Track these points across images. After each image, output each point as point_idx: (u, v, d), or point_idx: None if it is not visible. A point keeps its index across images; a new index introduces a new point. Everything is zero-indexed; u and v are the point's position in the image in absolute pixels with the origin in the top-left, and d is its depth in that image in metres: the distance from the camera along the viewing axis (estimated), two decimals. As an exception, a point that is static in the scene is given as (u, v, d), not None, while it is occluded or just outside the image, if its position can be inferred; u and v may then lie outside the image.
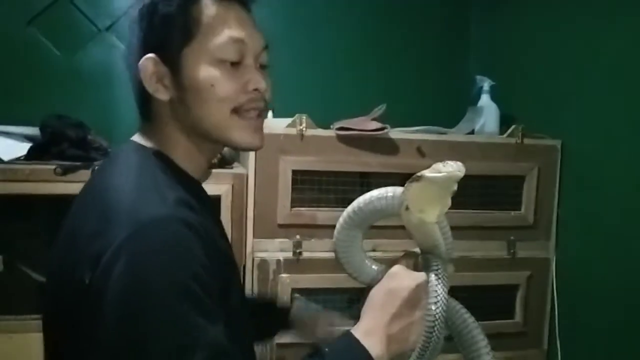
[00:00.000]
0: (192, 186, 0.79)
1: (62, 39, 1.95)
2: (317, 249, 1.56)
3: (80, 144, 1.54)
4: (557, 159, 1.70)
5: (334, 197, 1.60)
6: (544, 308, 1.73)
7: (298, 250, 1.54)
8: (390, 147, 1.60)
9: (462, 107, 1.89)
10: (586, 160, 1.63)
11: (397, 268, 0.77)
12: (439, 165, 0.68)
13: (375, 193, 0.81)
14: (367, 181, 1.65)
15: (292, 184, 1.54)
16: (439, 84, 2.13)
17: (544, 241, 1.72)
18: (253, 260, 1.52)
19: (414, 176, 0.69)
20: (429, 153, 1.62)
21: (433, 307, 0.72)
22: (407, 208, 0.72)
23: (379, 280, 0.77)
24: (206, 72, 0.74)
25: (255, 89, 0.77)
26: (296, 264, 1.55)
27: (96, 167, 1.45)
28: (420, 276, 0.75)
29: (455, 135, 1.71)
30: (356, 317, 0.76)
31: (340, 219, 0.83)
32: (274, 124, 1.57)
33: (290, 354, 1.53)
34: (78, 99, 1.91)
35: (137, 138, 0.80)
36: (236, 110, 0.77)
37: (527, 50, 1.90)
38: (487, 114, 1.81)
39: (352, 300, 1.64)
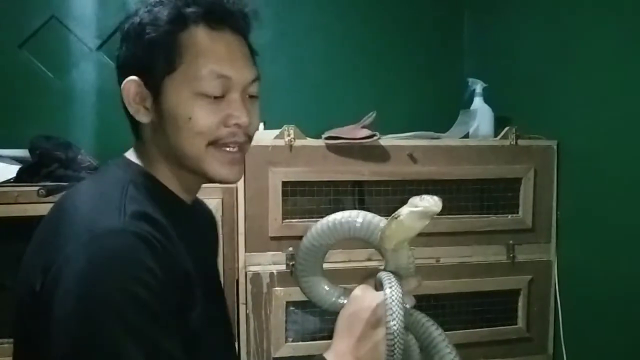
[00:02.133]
0: (173, 205, 0.78)
1: (54, 60, 1.96)
2: (310, 261, 1.54)
3: (70, 164, 1.54)
4: (553, 159, 1.67)
5: (326, 208, 1.57)
6: (547, 312, 1.69)
7: (291, 263, 1.52)
8: (381, 155, 1.58)
9: (456, 111, 1.87)
10: (583, 159, 1.60)
11: (357, 290, 0.78)
12: (416, 200, 0.73)
13: (337, 217, 0.84)
14: (359, 190, 1.63)
15: (283, 196, 1.52)
16: (431, 88, 2.11)
17: (544, 244, 1.69)
18: (246, 274, 1.50)
19: (393, 214, 0.74)
20: (420, 159, 1.60)
21: (391, 323, 0.73)
22: (382, 239, 0.77)
23: (342, 305, 0.80)
24: (185, 104, 0.73)
25: (236, 124, 0.75)
26: (290, 276, 1.53)
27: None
28: (380, 295, 0.76)
29: (447, 139, 1.69)
30: None
31: (302, 245, 0.85)
32: (262, 136, 1.55)
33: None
34: (72, 120, 1.92)
35: (128, 154, 0.81)
36: (212, 143, 0.75)
37: (520, 51, 1.88)
38: (480, 116, 1.78)
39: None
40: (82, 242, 0.63)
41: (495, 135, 1.73)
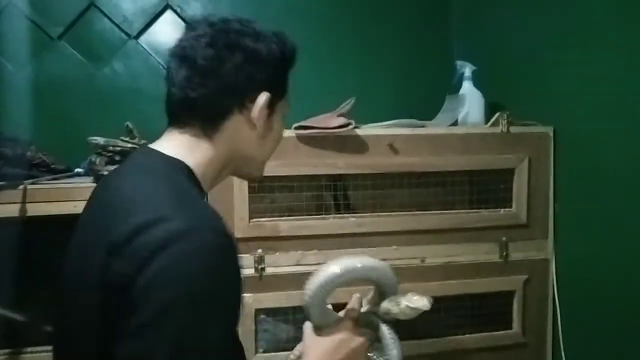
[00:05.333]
0: None
1: (13, 50, 1.83)
2: (282, 264, 1.40)
3: (17, 161, 1.41)
4: (549, 147, 1.53)
5: (298, 205, 1.44)
6: (545, 315, 1.56)
7: (260, 266, 1.39)
8: (358, 145, 1.44)
9: (443, 97, 1.72)
10: (583, 147, 1.46)
11: (347, 323, 0.91)
12: (411, 297, 0.92)
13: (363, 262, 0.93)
14: (334, 185, 1.49)
15: (249, 193, 1.38)
16: (417, 72, 1.97)
17: (541, 240, 1.54)
18: (210, 279, 1.37)
19: (393, 301, 0.93)
20: (402, 150, 1.45)
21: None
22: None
23: (328, 325, 0.91)
24: (281, 123, 0.88)
25: None
26: (259, 281, 1.39)
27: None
28: (368, 332, 0.93)
29: (431, 128, 1.54)
30: None
31: (321, 280, 0.90)
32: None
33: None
34: (23, 113, 1.79)
35: (170, 145, 0.80)
36: None
37: (513, 30, 1.73)
38: (470, 102, 1.64)
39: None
40: (183, 229, 0.64)
41: (486, 122, 1.59)
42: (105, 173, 1.33)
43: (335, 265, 0.89)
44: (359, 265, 0.90)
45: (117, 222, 0.68)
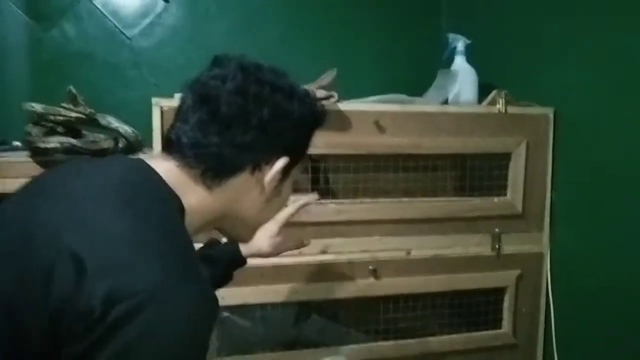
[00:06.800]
0: None
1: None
2: (250, 255, 1.24)
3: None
4: (549, 131, 1.41)
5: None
6: (537, 314, 1.46)
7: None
8: (341, 123, 1.28)
9: (433, 73, 1.57)
10: (584, 130, 1.35)
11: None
12: None
13: None
14: (313, 166, 1.33)
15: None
16: (405, 45, 1.83)
17: (536, 233, 1.43)
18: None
19: None
20: (389, 128, 1.30)
21: None
22: None
23: None
24: (289, 189, 0.79)
25: None
26: (223, 274, 1.22)
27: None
28: None
29: (422, 105, 1.39)
30: None
31: None
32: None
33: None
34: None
35: (165, 172, 0.68)
36: None
37: (510, 2, 1.61)
38: (462, 79, 1.49)
39: (299, 316, 1.33)
40: (170, 285, 0.56)
41: (480, 102, 1.47)
42: (43, 146, 1.14)
43: None
44: None
45: (83, 274, 0.55)
